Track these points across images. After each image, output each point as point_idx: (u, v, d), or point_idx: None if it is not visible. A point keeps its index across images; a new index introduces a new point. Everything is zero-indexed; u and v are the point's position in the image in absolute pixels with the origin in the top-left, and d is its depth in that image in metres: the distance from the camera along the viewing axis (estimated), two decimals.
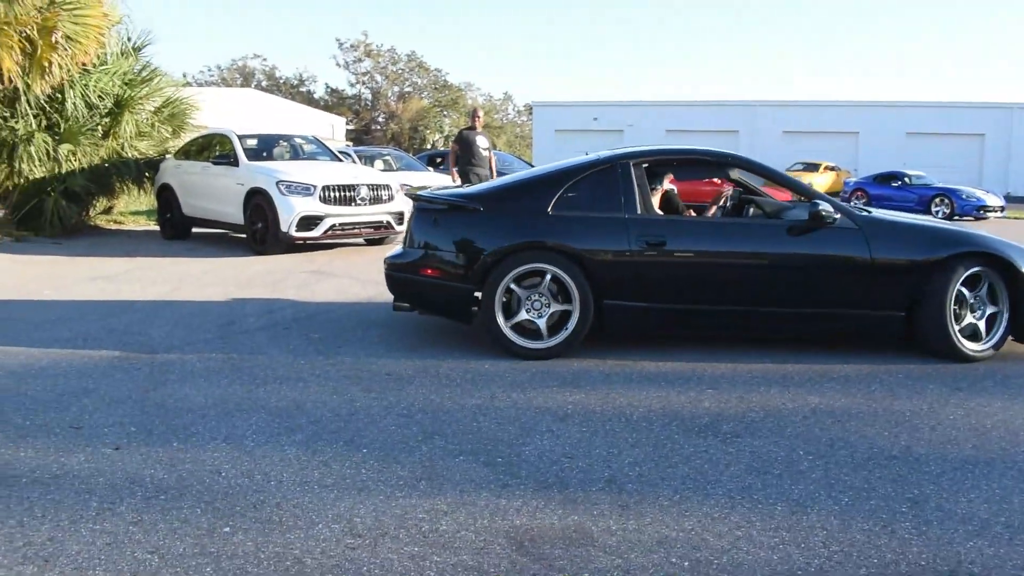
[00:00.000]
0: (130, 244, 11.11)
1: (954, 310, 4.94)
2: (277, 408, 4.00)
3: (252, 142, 11.36)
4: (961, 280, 4.90)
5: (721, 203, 6.11)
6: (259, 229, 10.02)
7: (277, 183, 9.81)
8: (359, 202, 10.16)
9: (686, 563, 2.55)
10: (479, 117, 11.56)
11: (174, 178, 11.64)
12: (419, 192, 5.45)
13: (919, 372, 4.76)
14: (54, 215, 11.39)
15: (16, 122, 11.11)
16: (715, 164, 5.64)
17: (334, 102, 58.68)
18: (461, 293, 5.01)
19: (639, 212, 5.01)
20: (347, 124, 52.03)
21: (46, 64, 10.69)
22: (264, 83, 60.66)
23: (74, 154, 11.52)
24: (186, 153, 11.96)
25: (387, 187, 10.66)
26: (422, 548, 2.62)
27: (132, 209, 14.88)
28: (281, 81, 62.07)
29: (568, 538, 2.69)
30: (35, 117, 11.36)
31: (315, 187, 9.81)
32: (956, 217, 21.03)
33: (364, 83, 60.00)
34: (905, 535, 2.74)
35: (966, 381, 4.59)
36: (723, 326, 5.09)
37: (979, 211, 20.93)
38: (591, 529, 2.76)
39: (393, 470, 3.24)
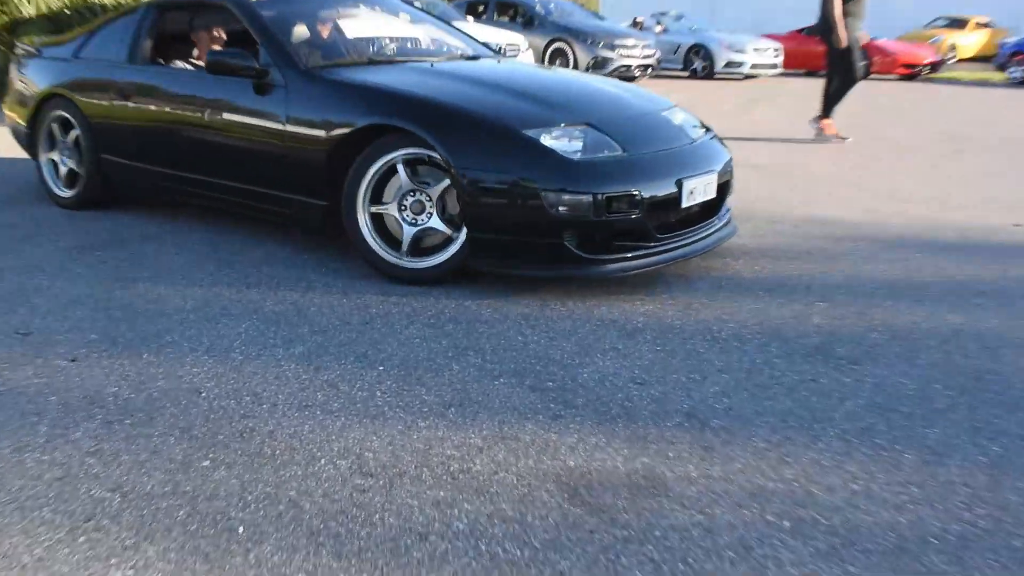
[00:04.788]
0: None
1: (388, 206, 4.45)
2: (273, 313, 3.97)
3: None
4: (386, 165, 4.40)
5: None
6: None
7: None
8: None
9: (786, 523, 2.46)
10: None
11: None
12: (20, 42, 6.89)
13: None
14: None
15: None
16: (213, 8, 5.81)
17: None
18: (27, 135, 6.25)
19: (126, 58, 5.70)
20: None
21: None
22: None
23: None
24: None
25: (415, 41, 10.43)
26: (450, 493, 2.56)
27: None
28: None
29: (635, 486, 2.62)
30: None
31: None
32: None
33: None
34: None
35: None
36: (198, 196, 5.30)
37: None
38: (665, 475, 2.68)
39: (416, 393, 3.18)
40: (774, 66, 20.66)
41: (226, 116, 5.00)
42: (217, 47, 5.77)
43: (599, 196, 4.13)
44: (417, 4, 15.51)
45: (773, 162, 8.31)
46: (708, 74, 20.26)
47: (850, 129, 9.70)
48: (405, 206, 4.40)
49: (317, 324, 3.84)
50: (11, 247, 4.96)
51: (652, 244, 4.33)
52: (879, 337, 3.81)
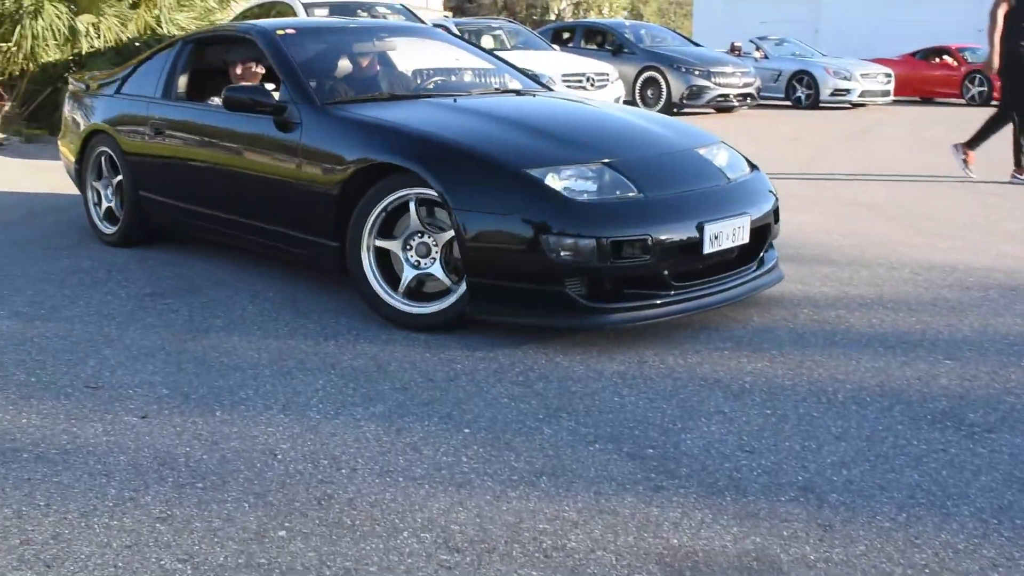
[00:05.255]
0: None
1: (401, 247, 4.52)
2: (352, 368, 3.99)
3: (322, 12, 11.51)
4: (390, 205, 4.50)
5: None
6: None
7: None
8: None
9: None
10: None
11: None
12: (73, 79, 7.40)
13: None
14: None
15: None
16: (245, 43, 5.94)
17: None
18: (76, 171, 6.73)
19: (160, 94, 6.09)
20: None
21: None
22: None
23: (96, 28, 11.81)
24: None
25: (454, 75, 10.67)
26: (543, 572, 2.52)
27: None
28: None
29: (746, 569, 2.54)
30: None
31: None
32: None
33: None
34: None
35: None
36: (226, 235, 5.60)
37: None
38: (779, 558, 2.60)
39: (505, 459, 3.15)
40: (885, 93, 20.39)
41: (248, 153, 5.26)
42: (249, 83, 5.99)
43: (604, 240, 4.11)
44: (497, 31, 15.81)
45: (890, 200, 8.17)
46: (813, 103, 20.08)
47: (975, 163, 9.49)
48: (411, 246, 4.49)
49: (398, 380, 3.85)
50: (82, 293, 5.08)
51: (669, 292, 4.32)
52: (1016, 401, 3.67)
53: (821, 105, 20.02)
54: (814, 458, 3.18)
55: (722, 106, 17.45)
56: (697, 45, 20.19)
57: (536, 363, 4.04)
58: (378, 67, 6.03)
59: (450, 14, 42.50)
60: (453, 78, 6.19)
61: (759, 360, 4.09)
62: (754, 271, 4.72)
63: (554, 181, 4.26)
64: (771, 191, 4.94)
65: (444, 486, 2.98)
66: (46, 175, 9.15)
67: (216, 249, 6.01)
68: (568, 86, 13.54)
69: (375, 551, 2.62)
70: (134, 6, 12.49)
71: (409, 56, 6.24)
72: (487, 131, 4.71)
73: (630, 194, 4.33)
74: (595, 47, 18.54)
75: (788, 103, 20.51)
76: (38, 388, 3.78)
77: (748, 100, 17.76)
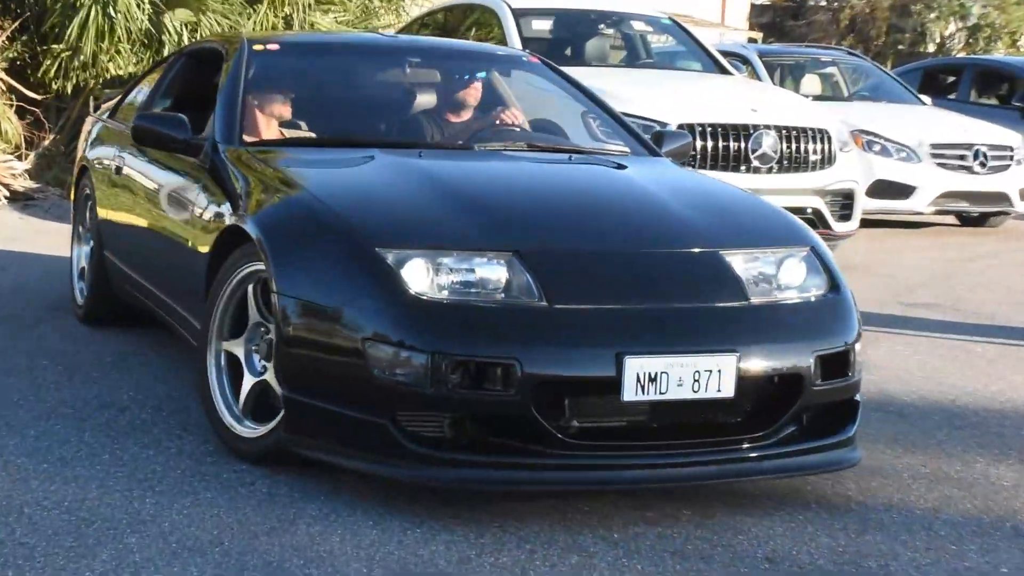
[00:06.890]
0: None
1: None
2: None
3: (543, 24, 11.69)
4: (242, 287, 5.10)
5: None
6: None
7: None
8: (756, 162, 10.36)
9: None
10: None
11: None
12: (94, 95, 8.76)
13: None
14: None
15: None
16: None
17: None
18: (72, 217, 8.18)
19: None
20: None
21: None
22: None
23: (194, 30, 12.44)
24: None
25: (822, 134, 10.68)
26: None
27: None
28: None
29: None
30: None
31: (668, 125, 9.97)
32: None
33: None
34: None
35: None
36: (155, 313, 6.47)
37: None
38: None
39: None
40: None
41: (167, 203, 6.27)
42: (278, 116, 6.50)
43: (441, 358, 4.40)
44: (829, 67, 15.82)
45: None
46: None
47: None
48: (257, 345, 4.86)
49: None
50: (109, 442, 5.24)
51: (557, 451, 4.50)
52: None
53: None
54: None
55: None
56: None
57: None
58: (388, 102, 6.83)
59: (759, 37, 42.94)
60: (481, 126, 6.72)
61: None
62: (770, 444, 4.75)
63: (416, 269, 4.63)
64: (840, 330, 4.97)
65: None
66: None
67: None
68: (941, 165, 13.33)
69: None
70: (252, 1, 13.14)
71: (449, 92, 6.94)
72: (384, 194, 5.19)
73: (528, 300, 4.65)
74: (995, 102, 18.19)
75: None
76: None
77: None
